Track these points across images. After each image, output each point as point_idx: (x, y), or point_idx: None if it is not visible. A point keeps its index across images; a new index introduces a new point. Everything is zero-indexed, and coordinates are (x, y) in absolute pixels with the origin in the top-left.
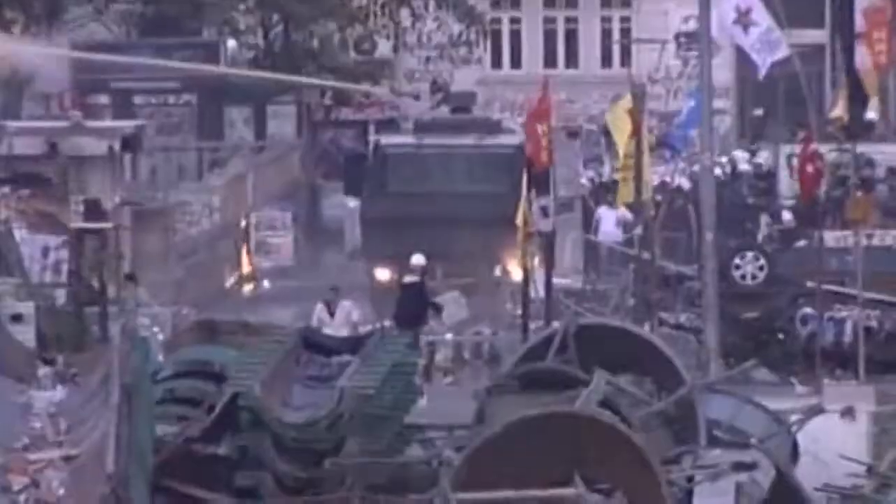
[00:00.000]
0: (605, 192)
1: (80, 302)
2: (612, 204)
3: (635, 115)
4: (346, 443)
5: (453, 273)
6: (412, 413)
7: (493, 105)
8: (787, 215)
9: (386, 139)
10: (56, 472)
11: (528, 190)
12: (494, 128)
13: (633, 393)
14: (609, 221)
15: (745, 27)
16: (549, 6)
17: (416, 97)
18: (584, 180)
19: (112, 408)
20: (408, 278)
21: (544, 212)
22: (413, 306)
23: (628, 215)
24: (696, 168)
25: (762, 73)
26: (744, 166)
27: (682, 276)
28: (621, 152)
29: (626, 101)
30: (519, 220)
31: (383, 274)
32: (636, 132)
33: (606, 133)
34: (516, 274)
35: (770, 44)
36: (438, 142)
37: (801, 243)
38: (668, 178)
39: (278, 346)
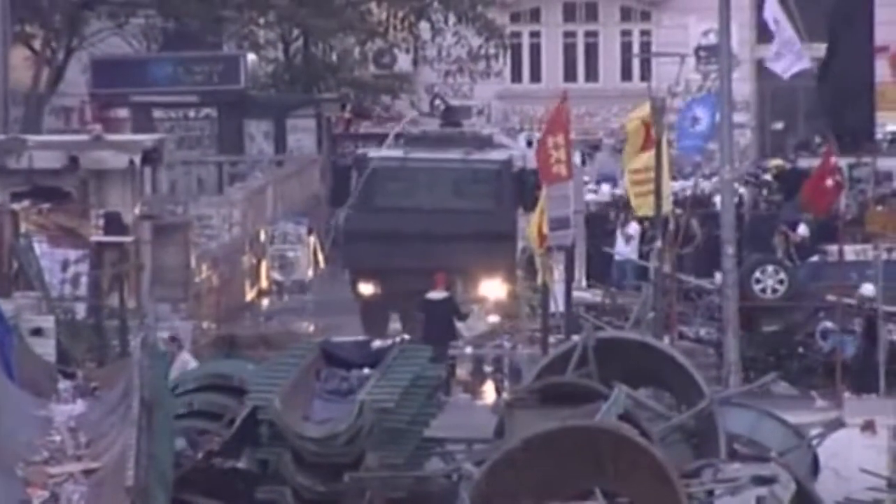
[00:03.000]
0: (620, 208)
1: (99, 315)
2: (623, 222)
3: (654, 127)
4: (366, 456)
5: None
6: (432, 427)
7: (512, 119)
8: (802, 229)
9: (373, 152)
10: (76, 485)
11: (518, 205)
12: (484, 143)
13: (652, 406)
14: (619, 240)
15: (769, 37)
16: (569, 20)
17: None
18: (595, 195)
19: (132, 421)
20: (434, 294)
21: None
22: (443, 321)
23: (631, 230)
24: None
25: (785, 76)
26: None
27: (701, 289)
28: (629, 165)
29: (642, 110)
30: (534, 234)
31: (367, 288)
32: (647, 145)
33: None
34: (499, 291)
35: (792, 55)
36: (424, 156)
37: (815, 257)
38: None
39: (298, 359)
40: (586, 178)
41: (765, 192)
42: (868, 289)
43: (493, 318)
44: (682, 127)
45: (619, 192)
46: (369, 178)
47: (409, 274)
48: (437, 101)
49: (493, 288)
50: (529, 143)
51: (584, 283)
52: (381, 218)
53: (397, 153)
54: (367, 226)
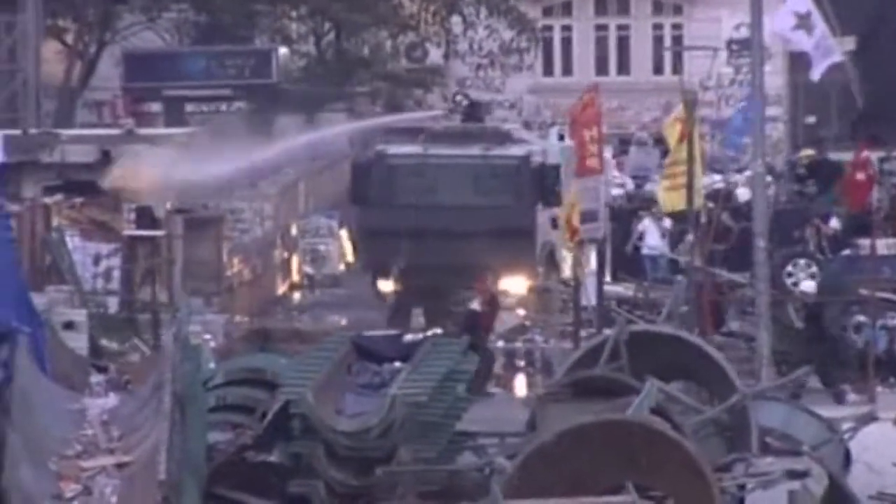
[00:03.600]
0: (648, 203)
1: (132, 309)
2: (657, 216)
3: (687, 122)
4: (398, 450)
5: (456, 285)
6: (464, 420)
7: (543, 112)
8: (834, 222)
9: (392, 149)
10: (108, 479)
11: (538, 200)
12: (504, 138)
13: (684, 400)
14: (654, 234)
15: (805, 31)
16: (601, 13)
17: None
18: (620, 190)
19: (164, 415)
20: (477, 306)
21: (554, 223)
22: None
23: (667, 224)
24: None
25: (816, 76)
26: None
27: (733, 283)
28: (667, 159)
29: (679, 112)
30: (563, 227)
31: (387, 286)
32: (683, 138)
33: (657, 141)
34: (520, 287)
35: (825, 49)
36: (443, 152)
37: (847, 251)
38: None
39: (330, 353)
40: (616, 174)
41: (795, 186)
42: None
43: (520, 313)
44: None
45: (649, 187)
46: (388, 175)
47: (430, 271)
48: (459, 97)
49: (513, 284)
50: (561, 137)
51: (609, 277)
52: (400, 215)
53: (416, 149)
54: (385, 223)
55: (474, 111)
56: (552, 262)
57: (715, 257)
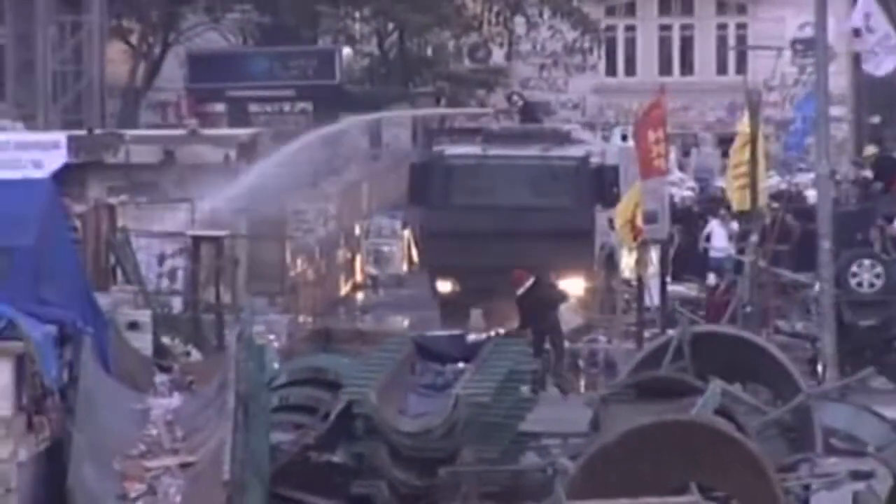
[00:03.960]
0: (715, 204)
1: (196, 310)
2: (723, 218)
3: (751, 122)
4: (461, 451)
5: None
6: (527, 420)
7: (606, 113)
8: None
9: (451, 149)
10: (172, 479)
11: (597, 202)
12: (563, 139)
13: (748, 401)
14: (720, 236)
15: (864, 32)
16: (665, 13)
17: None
18: (688, 192)
19: (228, 415)
20: (520, 290)
21: (611, 223)
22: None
23: (734, 226)
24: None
25: (881, 72)
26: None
27: (798, 283)
28: (732, 160)
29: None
30: (626, 228)
31: (445, 286)
32: (750, 139)
33: (722, 141)
34: (577, 289)
35: (888, 49)
36: (502, 153)
37: None
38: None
39: (393, 354)
40: (680, 175)
41: (859, 187)
42: None
43: (578, 313)
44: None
45: (719, 184)
46: (446, 176)
47: (488, 272)
48: (514, 97)
49: (572, 285)
50: (624, 138)
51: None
52: (459, 216)
53: (475, 150)
54: (444, 224)
55: (530, 111)
56: (611, 264)
57: (779, 257)
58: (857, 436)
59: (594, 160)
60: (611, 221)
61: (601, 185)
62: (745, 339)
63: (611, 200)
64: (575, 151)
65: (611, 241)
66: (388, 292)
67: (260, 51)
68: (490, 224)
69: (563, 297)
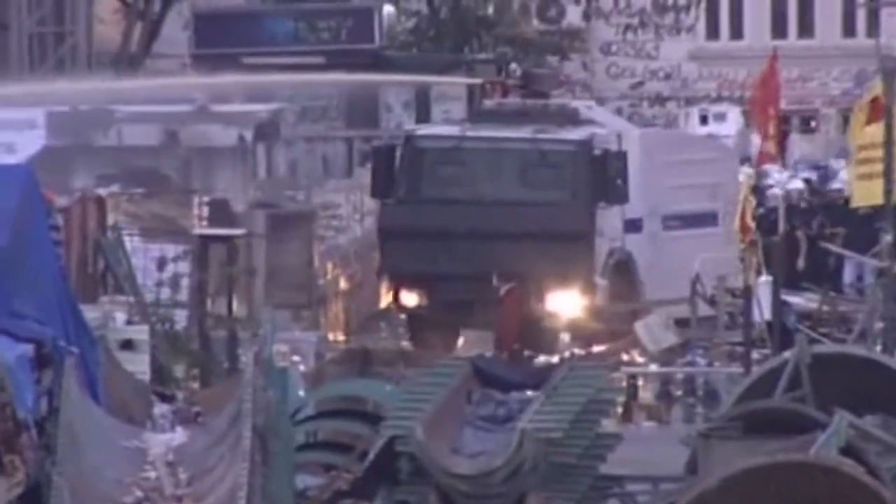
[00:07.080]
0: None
1: (204, 325)
2: None
3: (884, 95)
4: (528, 497)
5: (491, 299)
6: (609, 461)
7: (707, 84)
8: None
9: (421, 129)
10: None
11: (599, 197)
12: (567, 118)
13: (882, 438)
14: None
15: None
16: None
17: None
18: (800, 184)
19: (243, 454)
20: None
21: (634, 225)
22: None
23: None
24: None
25: None
26: None
27: None
28: (853, 144)
29: (876, 86)
30: (736, 226)
31: (410, 298)
32: (874, 116)
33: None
34: (571, 306)
35: None
36: (484, 135)
37: None
38: None
39: (445, 379)
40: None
41: None
42: None
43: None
44: None
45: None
46: (414, 163)
47: (461, 280)
48: (512, 65)
49: (564, 301)
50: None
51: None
52: (428, 212)
53: (451, 130)
54: (409, 221)
55: (531, 84)
56: (621, 276)
57: None
58: None
59: (602, 145)
60: (627, 222)
61: (605, 176)
62: (876, 361)
63: (618, 195)
64: (575, 134)
65: (625, 248)
66: None
67: (282, 8)
68: (465, 222)
69: (557, 319)
